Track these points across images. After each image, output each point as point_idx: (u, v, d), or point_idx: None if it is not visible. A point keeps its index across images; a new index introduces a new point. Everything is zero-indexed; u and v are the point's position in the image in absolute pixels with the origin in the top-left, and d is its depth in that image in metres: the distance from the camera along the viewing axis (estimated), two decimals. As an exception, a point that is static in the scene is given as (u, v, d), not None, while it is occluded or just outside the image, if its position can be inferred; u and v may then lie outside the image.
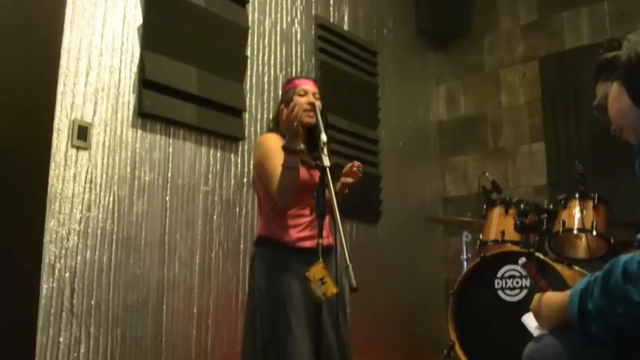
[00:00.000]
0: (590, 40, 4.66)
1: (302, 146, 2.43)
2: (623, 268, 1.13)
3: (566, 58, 4.70)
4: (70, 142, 2.79)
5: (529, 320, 1.38)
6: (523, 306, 2.91)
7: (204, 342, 3.21)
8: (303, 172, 2.53)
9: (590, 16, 4.72)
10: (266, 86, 3.78)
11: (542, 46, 4.98)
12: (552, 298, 1.32)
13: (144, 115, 3.12)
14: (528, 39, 5.07)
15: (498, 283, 3.28)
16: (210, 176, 3.41)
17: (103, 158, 2.93)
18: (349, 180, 2.60)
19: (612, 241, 3.32)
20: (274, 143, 2.51)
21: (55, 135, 2.68)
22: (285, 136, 2.43)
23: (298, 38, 4.11)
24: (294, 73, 4.02)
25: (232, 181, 3.50)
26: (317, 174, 2.51)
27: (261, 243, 2.62)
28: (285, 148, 2.40)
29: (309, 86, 2.67)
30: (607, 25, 4.58)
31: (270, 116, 3.29)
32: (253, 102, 3.69)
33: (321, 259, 2.27)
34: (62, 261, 2.71)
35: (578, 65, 4.53)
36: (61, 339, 2.66)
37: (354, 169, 2.60)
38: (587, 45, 4.62)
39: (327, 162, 2.37)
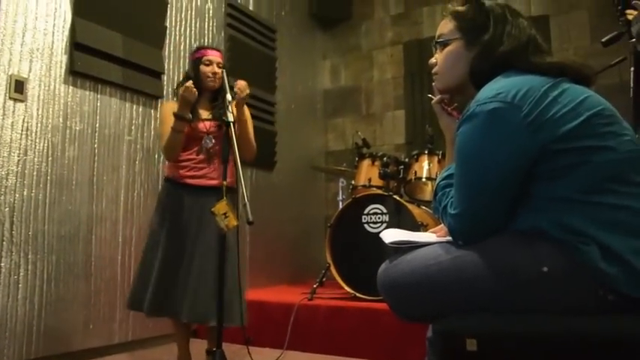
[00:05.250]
0: (442, 30, 4.83)
1: (190, 116, 2.48)
2: (438, 199, 1.35)
3: (424, 43, 4.84)
4: (7, 94, 2.62)
5: (386, 235, 1.46)
6: (383, 236, 3.09)
7: (127, 266, 3.17)
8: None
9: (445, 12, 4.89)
10: (182, 53, 3.67)
11: (406, 33, 5.12)
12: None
13: (75, 74, 2.95)
14: (396, 27, 5.20)
15: (365, 219, 3.39)
16: (133, 128, 3.30)
17: (38, 109, 2.77)
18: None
19: (450, 187, 3.54)
20: (168, 110, 2.54)
21: (-7, 88, 2.53)
22: (179, 103, 2.46)
23: (210, 14, 3.99)
24: (206, 44, 3.92)
25: (152, 133, 3.40)
26: (202, 125, 2.56)
27: (165, 180, 2.65)
28: (175, 115, 2.46)
29: (214, 57, 2.62)
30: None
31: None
32: (171, 66, 3.57)
33: (225, 197, 2.29)
34: (2, 197, 2.57)
35: (433, 50, 4.69)
36: (2, 264, 2.55)
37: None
38: (440, 34, 4.79)
39: (231, 118, 2.37)
